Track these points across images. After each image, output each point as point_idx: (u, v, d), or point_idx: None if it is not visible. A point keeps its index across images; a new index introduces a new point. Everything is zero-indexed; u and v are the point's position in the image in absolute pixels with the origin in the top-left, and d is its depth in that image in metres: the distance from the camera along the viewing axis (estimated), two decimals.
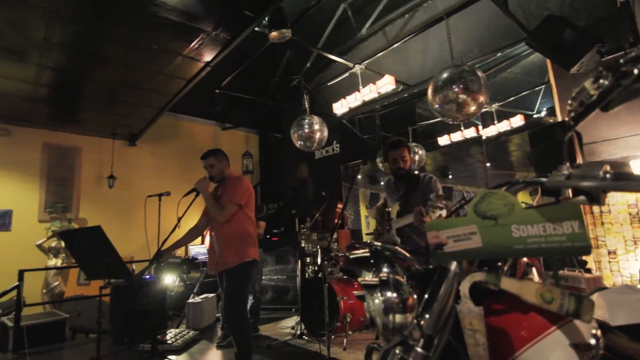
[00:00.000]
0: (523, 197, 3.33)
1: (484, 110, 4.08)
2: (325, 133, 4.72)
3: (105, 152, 5.65)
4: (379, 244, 1.04)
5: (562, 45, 2.67)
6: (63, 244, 4.72)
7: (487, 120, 4.76)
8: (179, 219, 2.64)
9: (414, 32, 4.07)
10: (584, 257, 2.75)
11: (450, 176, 5.71)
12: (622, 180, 0.53)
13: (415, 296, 0.74)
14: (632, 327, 0.83)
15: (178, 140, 6.44)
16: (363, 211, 6.16)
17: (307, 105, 4.93)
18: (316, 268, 4.71)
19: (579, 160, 0.69)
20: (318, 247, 4.47)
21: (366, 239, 5.68)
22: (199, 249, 5.46)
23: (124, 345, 3.43)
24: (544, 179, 0.65)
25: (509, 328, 0.70)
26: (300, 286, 4.00)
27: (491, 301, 0.74)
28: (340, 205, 5.59)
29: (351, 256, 3.34)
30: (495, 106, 4.64)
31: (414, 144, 5.20)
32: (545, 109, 4.32)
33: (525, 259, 0.98)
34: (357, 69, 4.38)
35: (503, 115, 4.64)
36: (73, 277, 4.84)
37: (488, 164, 4.92)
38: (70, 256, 4.72)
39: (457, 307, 0.70)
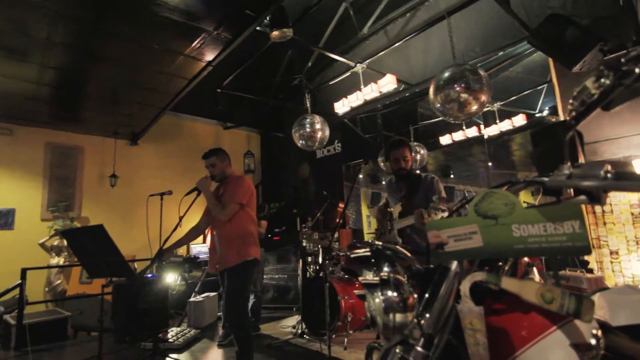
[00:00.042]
0: (525, 197, 3.33)
1: (485, 109, 4.06)
2: (327, 132, 4.71)
3: (108, 151, 5.67)
4: (380, 243, 1.04)
5: (564, 44, 2.65)
6: (65, 242, 4.75)
7: (489, 119, 4.74)
8: (181, 218, 2.65)
9: (416, 31, 4.06)
10: (586, 257, 2.75)
11: (452, 176, 5.69)
12: (623, 179, 0.53)
13: (415, 295, 0.74)
14: (633, 327, 0.83)
15: (180, 140, 6.46)
16: (364, 211, 6.16)
17: (308, 105, 4.93)
18: (317, 267, 4.71)
19: (581, 159, 0.69)
20: (319, 246, 4.47)
21: (368, 238, 5.68)
22: (200, 248, 5.47)
23: (126, 344, 3.44)
24: (545, 179, 0.65)
25: (509, 328, 0.70)
26: (301, 285, 4.00)
27: (492, 301, 0.74)
28: (341, 205, 5.60)
29: (352, 255, 3.34)
30: (497, 105, 4.63)
31: (415, 143, 5.19)
32: (547, 108, 4.30)
33: (526, 259, 0.98)
34: (359, 68, 4.37)
35: (505, 115, 4.62)
36: (75, 275, 4.87)
37: (490, 164, 4.91)
38: (72, 255, 4.74)
39: (457, 306, 0.70)
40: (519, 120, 4.50)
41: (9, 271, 4.02)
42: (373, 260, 0.99)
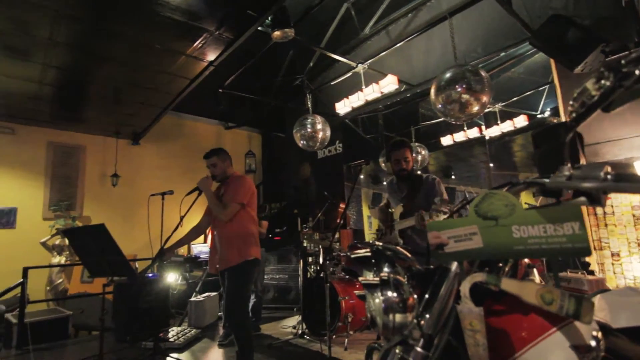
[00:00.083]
0: (526, 198, 3.32)
1: (487, 110, 4.06)
2: (328, 133, 4.71)
3: (109, 150, 5.68)
4: (380, 244, 1.04)
5: (566, 45, 2.65)
6: (67, 241, 4.76)
7: (490, 120, 4.73)
8: (182, 218, 2.66)
9: (417, 32, 4.06)
10: (587, 259, 2.74)
11: (453, 176, 5.69)
12: (623, 181, 0.53)
13: (415, 296, 0.74)
14: (633, 329, 0.83)
15: (181, 140, 6.47)
16: (365, 211, 6.16)
17: (309, 105, 4.93)
18: (318, 268, 4.71)
19: (582, 161, 0.69)
20: (320, 246, 4.46)
21: (368, 239, 5.68)
22: (201, 247, 5.48)
23: (127, 343, 3.45)
24: (545, 180, 0.65)
25: (509, 329, 0.70)
26: (302, 286, 4.00)
27: (492, 302, 0.74)
28: (342, 205, 5.59)
29: (352, 255, 3.34)
30: (498, 106, 4.62)
31: (416, 144, 5.19)
32: (549, 109, 4.29)
33: (526, 260, 0.98)
34: (360, 68, 4.37)
35: (506, 116, 4.61)
36: (77, 274, 4.88)
37: (491, 165, 4.90)
38: (74, 254, 4.75)
39: (457, 307, 0.71)
40: (521, 121, 4.49)
41: (11, 270, 4.03)
42: (373, 260, 0.99)
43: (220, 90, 5.55)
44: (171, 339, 3.38)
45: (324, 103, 5.67)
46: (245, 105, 6.70)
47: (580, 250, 0.60)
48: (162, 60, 3.66)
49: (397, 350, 0.71)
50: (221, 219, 2.58)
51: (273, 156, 7.46)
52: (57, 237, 4.88)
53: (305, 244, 4.70)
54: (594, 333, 0.66)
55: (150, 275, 3.72)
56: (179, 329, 3.69)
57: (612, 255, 2.75)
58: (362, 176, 6.06)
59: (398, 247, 0.98)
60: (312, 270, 4.96)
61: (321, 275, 3.43)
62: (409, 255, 0.94)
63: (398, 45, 4.24)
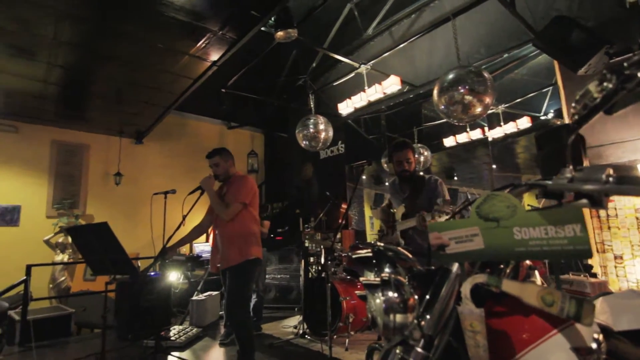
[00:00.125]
0: (529, 200, 3.31)
1: (490, 111, 4.04)
2: (331, 133, 4.72)
3: (113, 149, 5.71)
4: (382, 244, 1.04)
5: (569, 47, 2.64)
6: (70, 239, 4.78)
7: (493, 121, 4.72)
8: (184, 217, 2.67)
9: (421, 33, 4.06)
10: (590, 262, 2.73)
11: (455, 178, 5.67)
12: (625, 184, 0.53)
13: (416, 297, 0.74)
14: (636, 332, 0.82)
15: (184, 139, 6.49)
16: (367, 212, 6.15)
17: (312, 105, 4.93)
18: (319, 268, 4.71)
19: (585, 163, 0.69)
20: (322, 247, 4.47)
21: (370, 239, 5.68)
22: (203, 246, 5.50)
23: (129, 341, 3.46)
24: (546, 182, 0.65)
25: (510, 330, 0.70)
26: (303, 286, 4.01)
27: (492, 303, 0.74)
28: (344, 206, 5.59)
29: (354, 256, 3.35)
30: (501, 107, 4.60)
31: (419, 145, 5.18)
32: (552, 110, 4.27)
33: (527, 262, 0.97)
34: (363, 69, 4.37)
35: (509, 117, 4.60)
36: (79, 272, 4.90)
37: (494, 166, 4.89)
38: (76, 252, 4.78)
39: (458, 308, 0.71)
40: (524, 122, 4.48)
41: (14, 267, 4.06)
42: (374, 261, 0.99)
43: (223, 90, 5.57)
44: (173, 338, 3.40)
45: (327, 103, 5.67)
46: (248, 105, 6.72)
47: (581, 252, 0.60)
48: (165, 60, 3.68)
49: (397, 351, 0.72)
50: (223, 219, 2.59)
51: (275, 156, 7.48)
52: (60, 235, 4.91)
53: (306, 244, 4.70)
54: (595, 335, 0.66)
55: (152, 273, 3.73)
56: (181, 327, 3.70)
57: (615, 258, 2.74)
58: (364, 177, 6.06)
59: (399, 248, 0.98)
60: (314, 270, 4.96)
61: (322, 275, 3.43)
62: (410, 256, 0.94)
63: (401, 46, 4.24)
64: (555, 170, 0.66)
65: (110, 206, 5.59)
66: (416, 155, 2.69)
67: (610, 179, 0.54)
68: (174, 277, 4.52)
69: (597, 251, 2.83)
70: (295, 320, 4.10)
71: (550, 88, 4.09)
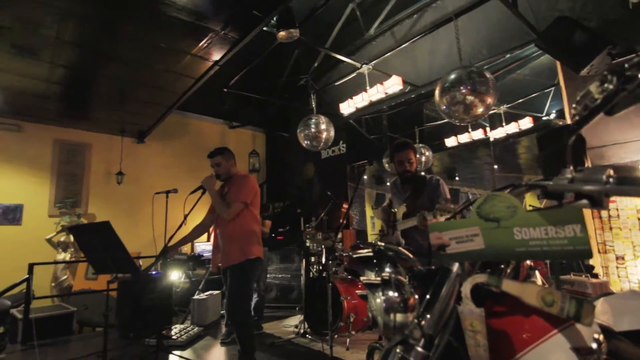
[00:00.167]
0: (531, 200, 3.30)
1: (492, 112, 4.03)
2: (332, 133, 4.72)
3: (115, 149, 5.73)
4: (382, 244, 1.04)
5: (572, 47, 2.63)
6: (72, 238, 4.81)
7: (495, 122, 4.71)
8: (186, 216, 2.67)
9: (423, 33, 4.05)
10: (591, 262, 2.72)
11: (457, 178, 5.67)
12: (625, 184, 0.53)
13: (416, 296, 0.74)
14: (637, 332, 0.82)
15: (186, 138, 6.50)
16: (369, 211, 6.15)
17: (314, 105, 4.94)
18: (320, 267, 4.72)
19: (587, 164, 0.69)
20: (323, 246, 4.47)
21: (371, 239, 5.67)
22: (204, 246, 5.51)
23: (130, 340, 3.48)
24: (547, 182, 0.65)
25: (510, 330, 0.70)
26: (304, 285, 4.01)
27: (492, 303, 0.74)
28: (345, 205, 5.60)
29: (355, 255, 3.35)
30: (503, 108, 4.60)
31: (420, 145, 5.18)
32: (554, 111, 4.27)
33: (528, 262, 0.98)
34: (365, 69, 4.37)
35: (511, 117, 4.59)
36: (81, 271, 4.92)
37: (496, 166, 4.88)
38: (78, 251, 4.80)
39: (458, 308, 0.71)
40: (526, 123, 4.47)
41: (17, 266, 4.07)
42: (375, 260, 1.00)
43: (225, 89, 5.58)
44: (174, 337, 3.40)
45: (328, 103, 5.68)
46: (250, 105, 6.73)
47: (581, 252, 0.61)
48: (167, 60, 3.69)
49: (397, 350, 0.72)
50: (224, 218, 2.59)
51: (277, 156, 7.48)
52: (62, 234, 4.93)
53: (308, 244, 4.70)
54: (596, 335, 0.66)
55: (153, 272, 3.75)
56: (182, 326, 3.71)
57: (617, 258, 2.73)
58: (365, 177, 6.06)
59: (400, 248, 0.98)
60: (315, 269, 4.96)
61: (323, 275, 3.44)
62: (410, 255, 0.94)
63: (403, 46, 4.24)
64: (557, 170, 0.66)
65: (112, 205, 5.61)
66: (417, 156, 2.69)
67: (611, 179, 0.54)
68: (176, 276, 4.53)
69: (599, 252, 2.83)
70: (296, 319, 4.11)
71: (553, 88, 4.08)
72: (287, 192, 6.87)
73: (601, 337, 0.66)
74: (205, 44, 3.43)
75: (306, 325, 3.56)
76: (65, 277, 4.86)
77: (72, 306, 3.98)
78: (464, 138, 5.09)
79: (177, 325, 3.74)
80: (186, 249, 5.54)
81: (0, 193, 4.81)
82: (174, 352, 3.16)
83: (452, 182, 5.50)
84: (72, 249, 4.91)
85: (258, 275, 3.63)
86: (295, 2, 3.51)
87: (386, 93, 4.21)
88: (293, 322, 4.04)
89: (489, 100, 2.95)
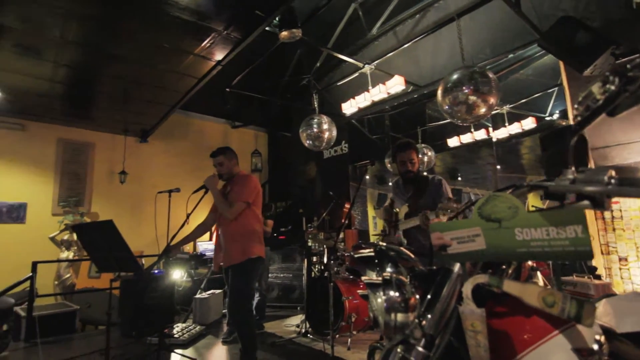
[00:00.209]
0: (534, 201, 3.29)
1: (495, 112, 4.02)
2: (334, 133, 4.72)
3: (118, 148, 5.75)
4: (384, 244, 1.05)
5: (575, 47, 2.63)
6: (75, 237, 4.83)
7: (497, 122, 4.70)
8: (188, 216, 2.68)
9: (425, 33, 4.04)
10: (594, 264, 2.71)
11: (459, 178, 5.66)
12: (627, 185, 0.53)
13: (417, 296, 0.74)
14: (639, 334, 0.82)
15: (188, 138, 6.52)
16: (370, 212, 6.15)
17: (316, 105, 4.94)
18: (322, 267, 4.72)
19: (590, 164, 0.69)
20: (324, 246, 4.48)
21: (373, 239, 5.67)
22: (206, 245, 5.53)
23: (132, 338, 3.49)
24: (548, 183, 0.65)
25: (511, 331, 0.70)
26: (306, 285, 4.01)
27: (494, 303, 0.74)
28: (347, 205, 5.60)
29: (356, 255, 3.34)
30: (506, 108, 4.58)
31: (423, 145, 5.17)
32: (557, 111, 4.25)
33: (530, 263, 0.98)
34: (367, 69, 4.37)
35: (514, 118, 4.58)
36: (84, 269, 4.94)
37: (498, 167, 4.87)
38: (82, 249, 4.82)
39: (459, 308, 0.71)
40: (529, 123, 4.46)
41: (20, 264, 4.10)
42: (377, 260, 1.00)
43: (227, 89, 5.59)
44: (176, 335, 3.42)
45: (331, 103, 5.68)
46: (252, 105, 6.74)
47: (582, 253, 0.61)
48: (170, 59, 3.70)
49: (398, 350, 0.72)
50: (227, 217, 2.60)
51: (279, 155, 7.49)
52: (65, 232, 4.96)
53: (309, 244, 4.71)
54: (597, 337, 0.66)
55: (156, 271, 3.76)
56: (184, 325, 3.73)
57: (620, 259, 2.72)
58: (367, 177, 6.05)
59: (401, 248, 0.98)
60: (316, 269, 4.97)
61: (325, 274, 3.44)
62: (412, 255, 0.95)
63: (405, 46, 4.23)
64: (559, 171, 0.66)
65: (115, 204, 5.64)
66: (420, 156, 2.68)
67: (612, 180, 0.54)
68: (178, 275, 4.54)
69: (602, 253, 2.82)
70: (297, 319, 4.12)
71: (556, 89, 4.07)
72: (289, 192, 6.88)
73: (602, 339, 0.66)
74: (208, 44, 3.44)
75: (307, 325, 3.57)
76: (68, 275, 4.89)
77: (75, 304, 4.01)
78: (466, 138, 5.08)
79: (179, 324, 3.75)
80: (188, 248, 5.56)
81: (5, 192, 4.84)
82: (176, 350, 3.17)
83: (454, 182, 5.49)
84: (76, 248, 4.94)
85: (260, 275, 3.63)
86: (297, 2, 3.52)
87: (388, 93, 4.20)
88: (294, 322, 4.05)
89: (492, 100, 2.95)
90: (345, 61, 4.68)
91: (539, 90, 4.37)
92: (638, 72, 0.53)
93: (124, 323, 3.67)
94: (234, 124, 7.08)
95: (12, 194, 4.88)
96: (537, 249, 0.64)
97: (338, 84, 5.09)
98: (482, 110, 2.96)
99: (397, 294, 0.73)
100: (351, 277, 3.61)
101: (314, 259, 4.91)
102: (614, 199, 2.72)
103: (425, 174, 2.76)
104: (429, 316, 0.71)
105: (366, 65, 4.36)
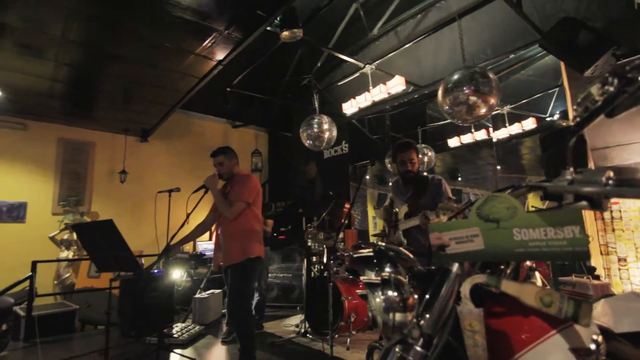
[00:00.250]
0: (534, 202, 3.30)
1: (495, 112, 4.02)
2: (335, 133, 4.72)
3: (118, 147, 5.76)
4: (383, 244, 1.05)
5: (576, 48, 2.62)
6: (75, 236, 4.83)
7: (498, 122, 4.70)
8: (188, 215, 2.69)
9: (426, 33, 4.04)
10: (593, 264, 2.71)
11: (459, 178, 5.66)
12: (625, 186, 0.53)
13: (416, 296, 0.74)
14: (636, 334, 0.82)
15: (189, 138, 6.53)
16: (370, 212, 6.15)
17: (316, 105, 4.94)
18: (322, 267, 4.72)
19: (590, 165, 0.69)
20: (324, 246, 4.48)
21: (373, 240, 5.68)
22: (206, 245, 5.53)
23: (132, 338, 3.49)
24: (546, 184, 0.66)
25: (509, 330, 0.71)
26: (305, 285, 4.02)
27: (492, 303, 0.75)
28: (347, 205, 5.60)
29: (355, 255, 3.35)
30: (507, 108, 4.58)
31: (423, 145, 5.17)
32: (558, 112, 4.25)
33: (528, 263, 0.98)
34: (368, 69, 4.37)
35: (515, 118, 4.58)
36: (84, 269, 4.95)
37: (498, 167, 4.87)
38: (81, 249, 4.83)
39: (457, 308, 0.71)
40: (529, 123, 4.45)
41: (20, 263, 4.11)
42: (376, 260, 1.00)
43: (228, 89, 5.59)
44: (175, 335, 3.42)
45: (331, 103, 5.68)
46: (253, 105, 6.74)
47: (580, 254, 0.61)
48: (171, 59, 3.70)
49: (396, 349, 0.72)
50: (227, 217, 2.60)
51: (279, 155, 7.50)
52: (65, 231, 4.96)
53: (309, 244, 4.71)
54: (594, 337, 0.66)
55: (155, 271, 3.77)
56: (183, 325, 3.73)
57: (619, 260, 2.72)
58: (367, 177, 6.06)
59: (400, 248, 0.98)
60: (316, 269, 4.97)
61: (325, 274, 3.44)
62: (411, 255, 0.95)
63: (406, 46, 4.23)
64: (558, 172, 0.66)
65: (115, 204, 5.64)
66: (420, 156, 2.68)
67: (610, 181, 0.55)
68: (177, 274, 4.55)
69: (601, 253, 2.82)
70: (297, 319, 4.12)
71: (557, 89, 4.07)
72: (290, 192, 6.88)
73: (600, 338, 0.66)
74: (209, 44, 3.45)
75: (307, 325, 3.57)
76: (68, 274, 4.89)
77: (74, 304, 4.01)
78: (466, 138, 5.08)
79: (178, 324, 3.75)
80: (188, 247, 5.56)
81: (5, 191, 4.85)
82: (175, 350, 3.18)
83: (454, 182, 5.49)
84: (75, 247, 4.94)
85: (259, 275, 3.64)
86: (298, 2, 3.52)
87: (389, 93, 4.20)
88: (294, 322, 4.05)
89: (492, 100, 2.95)
90: (346, 61, 4.68)
91: (539, 90, 4.37)
92: (637, 73, 0.53)
93: (124, 323, 3.67)
94: (235, 123, 7.09)
95: (13, 193, 4.89)
96: (535, 249, 0.64)
97: (339, 84, 5.09)
98: (483, 110, 2.96)
99: (395, 293, 0.73)
100: (350, 277, 3.61)
101: (314, 258, 4.92)
102: (614, 200, 2.72)
103: (425, 174, 2.76)
104: (427, 316, 0.72)
105: (367, 65, 4.36)
